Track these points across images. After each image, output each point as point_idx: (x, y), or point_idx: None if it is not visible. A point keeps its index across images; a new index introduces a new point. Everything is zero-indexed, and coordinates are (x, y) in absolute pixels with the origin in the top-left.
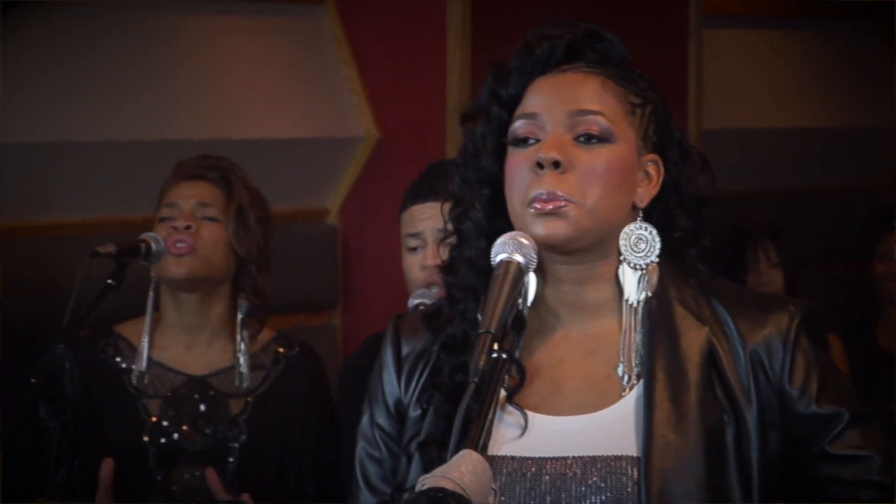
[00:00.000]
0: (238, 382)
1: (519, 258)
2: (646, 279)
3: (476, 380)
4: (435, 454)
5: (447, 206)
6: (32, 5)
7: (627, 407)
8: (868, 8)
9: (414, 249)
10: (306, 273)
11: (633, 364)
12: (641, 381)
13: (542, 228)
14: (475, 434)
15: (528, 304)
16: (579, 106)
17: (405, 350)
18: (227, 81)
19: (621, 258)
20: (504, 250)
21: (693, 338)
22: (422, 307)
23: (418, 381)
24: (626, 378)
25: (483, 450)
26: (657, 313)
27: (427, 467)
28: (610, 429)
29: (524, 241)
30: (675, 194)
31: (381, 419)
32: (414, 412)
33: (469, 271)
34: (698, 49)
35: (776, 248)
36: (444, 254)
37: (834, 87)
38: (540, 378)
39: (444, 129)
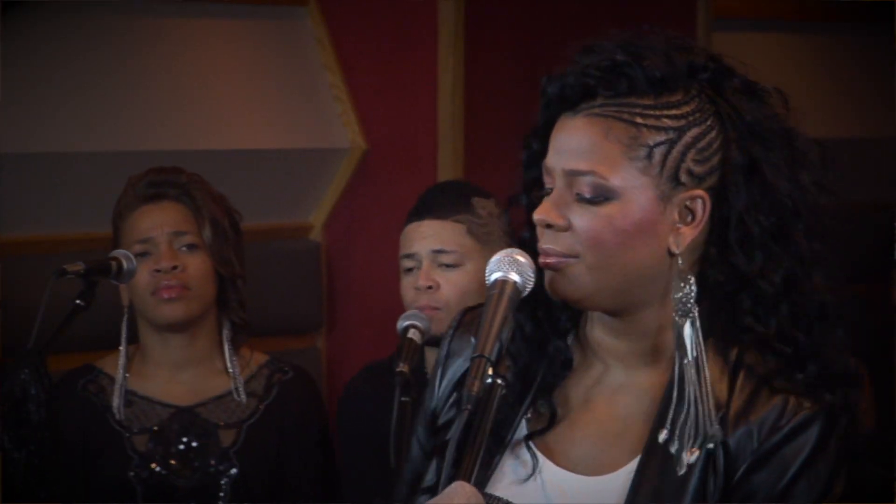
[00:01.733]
0: (239, 398)
1: (515, 277)
2: (695, 334)
3: (469, 407)
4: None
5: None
6: None
7: (625, 478)
8: (886, 11)
9: (409, 271)
10: (288, 293)
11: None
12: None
13: (546, 282)
14: (468, 465)
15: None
16: (570, 166)
17: (454, 347)
18: (202, 89)
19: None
20: (499, 268)
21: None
22: (412, 330)
23: (451, 387)
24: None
25: (482, 483)
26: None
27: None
28: (603, 498)
29: (521, 258)
30: (728, 228)
31: (420, 419)
32: (444, 417)
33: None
34: None
35: None
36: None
37: (849, 95)
38: (562, 414)
39: (436, 140)
